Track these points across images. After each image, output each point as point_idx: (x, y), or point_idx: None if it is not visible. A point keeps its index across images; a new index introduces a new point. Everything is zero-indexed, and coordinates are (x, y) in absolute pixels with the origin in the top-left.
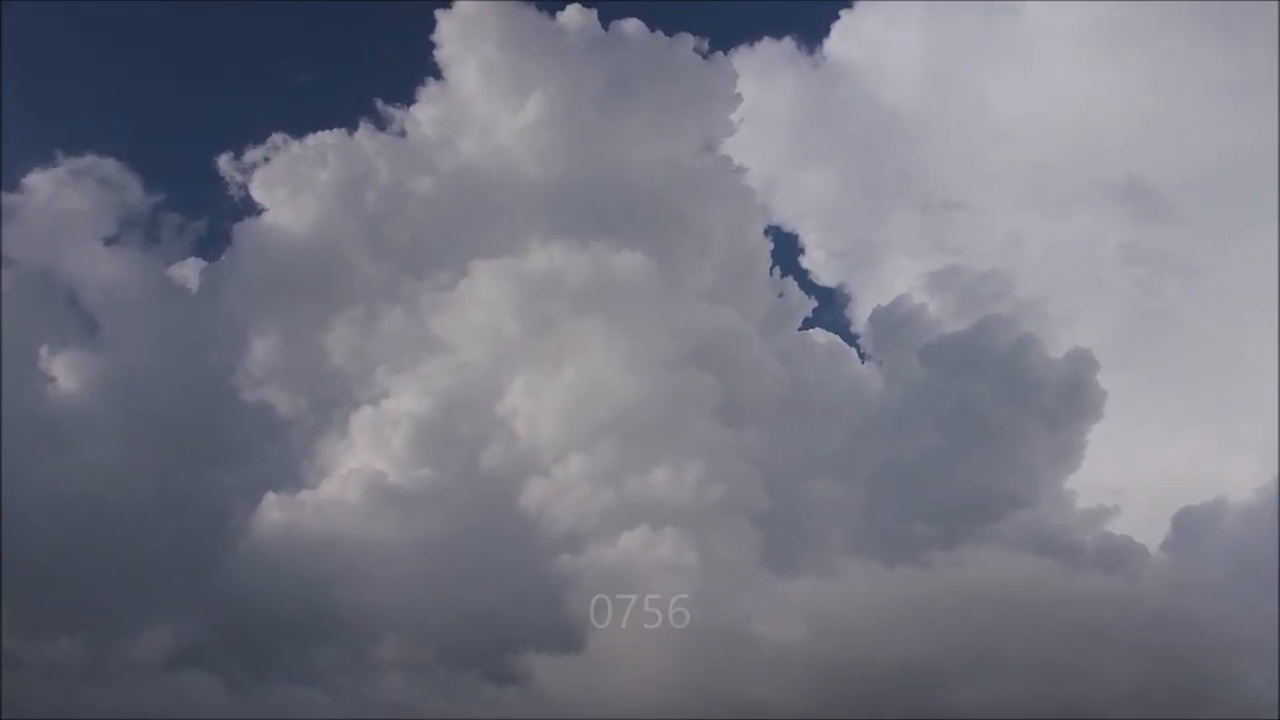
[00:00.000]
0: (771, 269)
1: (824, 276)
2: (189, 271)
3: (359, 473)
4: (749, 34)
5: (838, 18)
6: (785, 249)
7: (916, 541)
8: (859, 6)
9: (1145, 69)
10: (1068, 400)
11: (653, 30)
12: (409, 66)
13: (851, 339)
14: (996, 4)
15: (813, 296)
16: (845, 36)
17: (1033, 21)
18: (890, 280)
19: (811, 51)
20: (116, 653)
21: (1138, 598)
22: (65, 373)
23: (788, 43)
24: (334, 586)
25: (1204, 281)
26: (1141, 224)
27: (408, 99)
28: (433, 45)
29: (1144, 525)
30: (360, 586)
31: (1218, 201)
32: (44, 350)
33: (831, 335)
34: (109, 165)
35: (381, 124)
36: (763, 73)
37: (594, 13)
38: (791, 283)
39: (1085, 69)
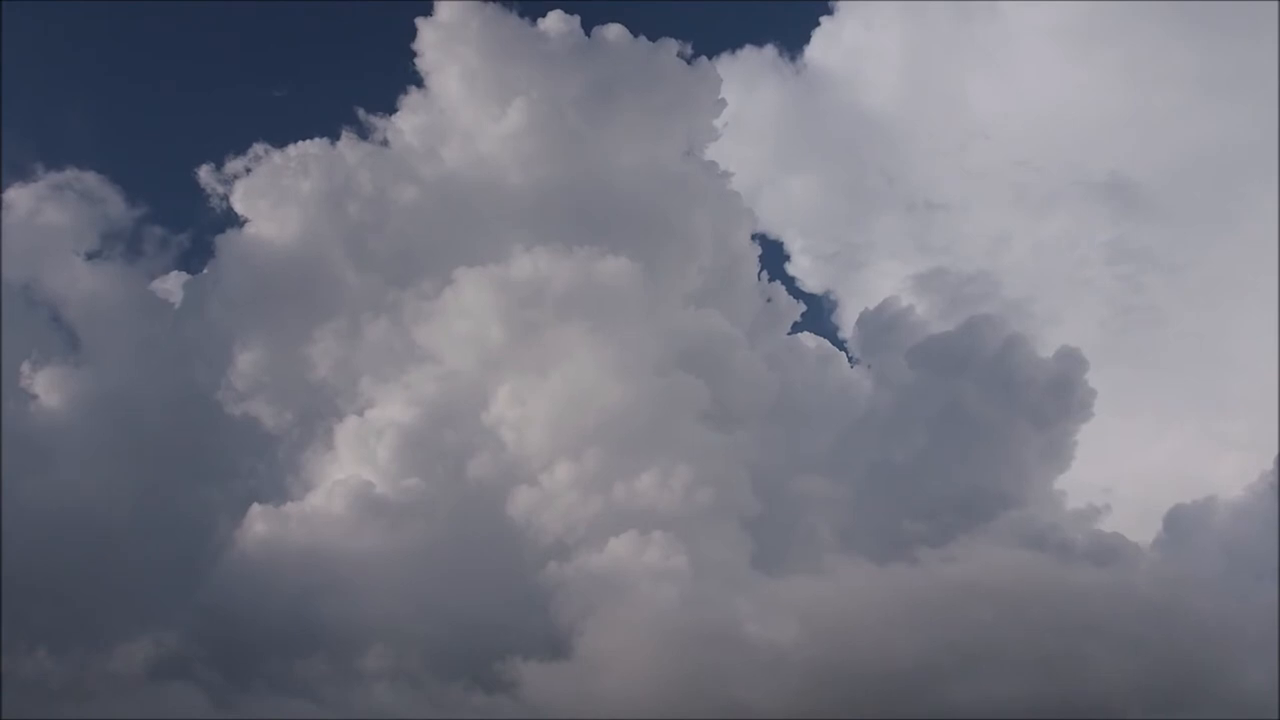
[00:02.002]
0: (759, 273)
1: (810, 283)
2: (172, 285)
3: (345, 483)
4: (731, 42)
5: (818, 24)
6: (771, 256)
7: (907, 541)
8: (838, 13)
9: (1122, 65)
10: (1057, 399)
11: (635, 36)
12: (390, 75)
13: (840, 343)
14: (973, 6)
15: (800, 302)
16: (826, 43)
17: (1009, 22)
18: (877, 283)
19: (793, 58)
20: (103, 667)
21: (1132, 593)
22: (47, 389)
23: (769, 50)
24: (321, 597)
25: (1189, 277)
26: (1125, 220)
27: (389, 107)
28: (414, 53)
29: (1135, 523)
30: (348, 596)
31: (1199, 196)
32: (26, 366)
33: (820, 339)
34: (90, 179)
35: (364, 133)
36: (745, 80)
37: (576, 19)
38: (779, 287)
39: (1062, 67)
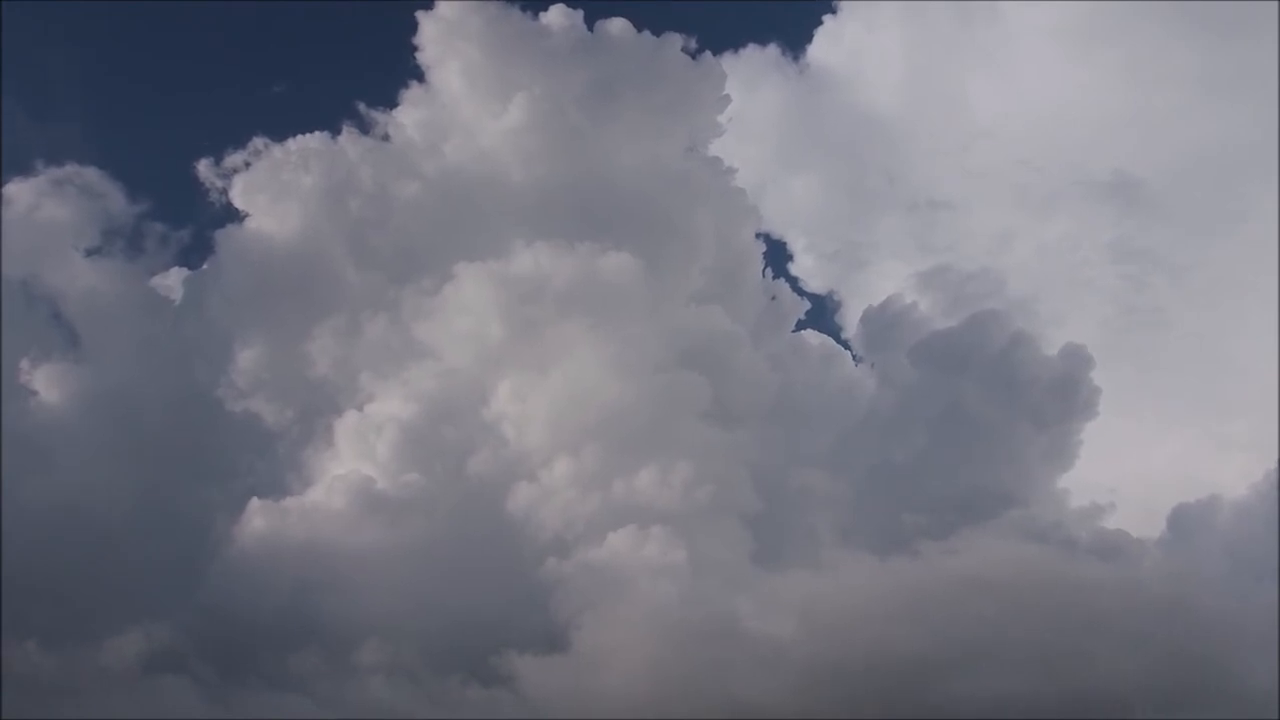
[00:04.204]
0: (763, 271)
1: (813, 283)
2: (172, 281)
3: (345, 479)
4: (733, 41)
5: (821, 24)
6: (774, 255)
7: (908, 535)
8: (841, 13)
9: (1123, 65)
10: (1061, 398)
11: (639, 31)
12: (391, 69)
13: (844, 343)
14: (974, 6)
15: (804, 299)
16: (828, 42)
17: (1011, 22)
18: (879, 283)
19: (796, 58)
20: (98, 662)
21: (1135, 589)
22: (47, 386)
23: (772, 49)
24: (320, 592)
25: (1192, 277)
26: (1127, 220)
27: (390, 102)
28: (415, 47)
29: (1139, 523)
30: (346, 592)
31: (1202, 196)
32: (25, 363)
33: (824, 337)
34: (90, 174)
35: (364, 127)
36: (747, 80)
37: (579, 13)
38: (783, 285)
39: (1064, 67)
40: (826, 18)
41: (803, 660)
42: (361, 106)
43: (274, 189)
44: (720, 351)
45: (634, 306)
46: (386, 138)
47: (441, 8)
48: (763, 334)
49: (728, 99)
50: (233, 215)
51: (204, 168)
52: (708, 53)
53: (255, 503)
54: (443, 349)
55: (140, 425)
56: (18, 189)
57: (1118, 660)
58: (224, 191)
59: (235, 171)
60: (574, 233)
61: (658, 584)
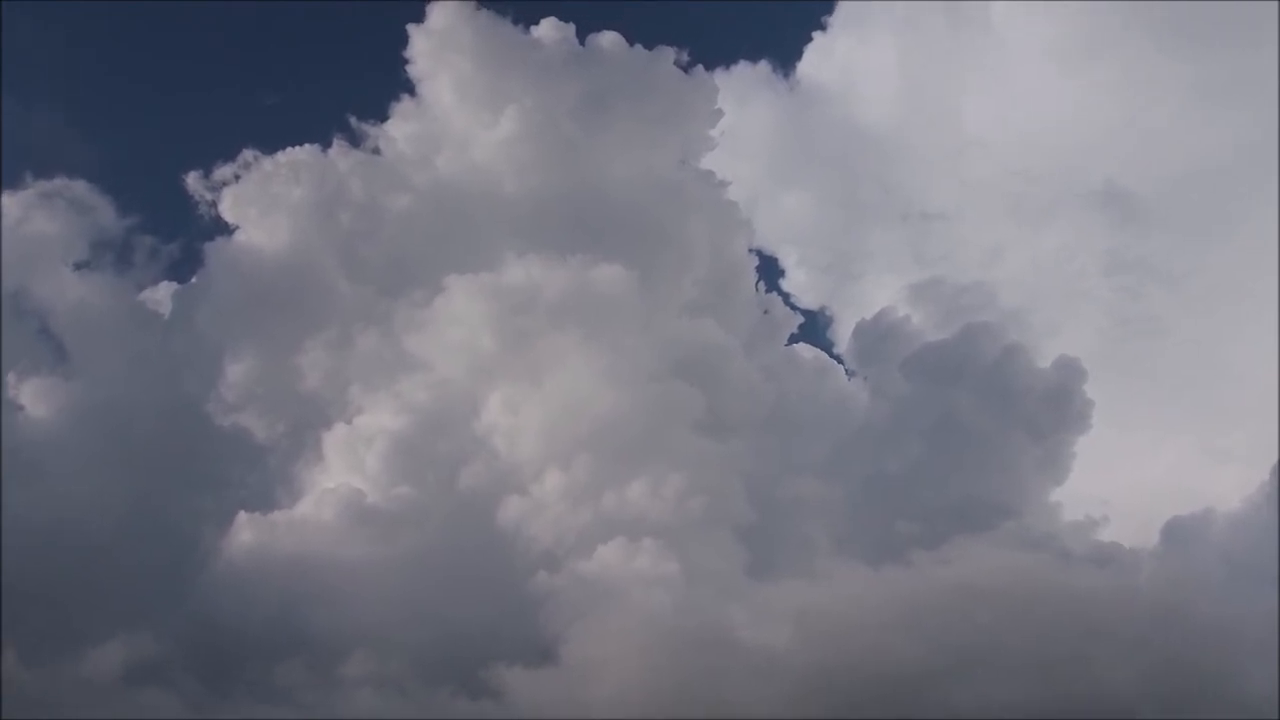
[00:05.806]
0: (757, 284)
1: (806, 299)
2: (161, 295)
3: (335, 492)
4: (725, 57)
5: (810, 40)
6: (767, 271)
7: (901, 544)
8: (831, 30)
9: (1117, 75)
10: (1055, 410)
11: (631, 44)
12: (382, 81)
13: (837, 356)
14: (967, 17)
15: (797, 314)
16: (818, 59)
17: (1004, 33)
18: (873, 294)
19: (786, 74)
20: (82, 673)
21: (1132, 597)
22: (34, 400)
23: (763, 66)
24: (309, 604)
25: (1187, 287)
26: (1122, 230)
27: (381, 114)
28: (405, 60)
29: (1133, 535)
30: (335, 604)
31: (1197, 205)
32: (12, 377)
33: (817, 351)
34: (80, 188)
35: (355, 140)
36: (740, 96)
37: (571, 26)
38: (776, 299)
39: (1058, 77)
40: (816, 34)
41: (797, 670)
42: (352, 119)
43: (264, 202)
44: (713, 363)
45: (626, 318)
46: (377, 150)
47: (433, 20)
48: (756, 347)
49: (720, 113)
50: (222, 228)
51: (193, 180)
52: (700, 66)
53: (243, 516)
54: (434, 361)
55: (129, 439)
56: (7, 202)
57: (1115, 667)
58: (213, 204)
59: (225, 184)
60: (566, 244)
61: (650, 594)
